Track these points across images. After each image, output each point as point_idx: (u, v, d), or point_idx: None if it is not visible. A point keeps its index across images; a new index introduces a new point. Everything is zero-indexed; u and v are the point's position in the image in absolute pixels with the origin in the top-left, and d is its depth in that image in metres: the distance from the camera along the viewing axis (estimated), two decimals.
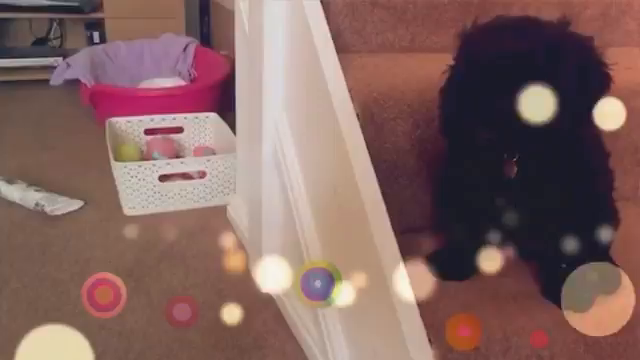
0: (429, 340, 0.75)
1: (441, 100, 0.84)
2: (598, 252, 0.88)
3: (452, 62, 0.82)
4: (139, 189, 1.54)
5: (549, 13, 1.28)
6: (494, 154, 0.82)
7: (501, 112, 0.74)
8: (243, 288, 1.27)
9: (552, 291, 0.87)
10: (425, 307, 0.77)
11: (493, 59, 0.74)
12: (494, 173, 0.83)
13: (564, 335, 0.81)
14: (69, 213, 1.55)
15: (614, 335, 0.83)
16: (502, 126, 0.75)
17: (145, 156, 1.76)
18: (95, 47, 2.38)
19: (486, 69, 0.75)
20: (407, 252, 0.80)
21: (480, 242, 0.92)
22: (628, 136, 1.14)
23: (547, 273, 0.90)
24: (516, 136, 0.76)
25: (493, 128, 0.76)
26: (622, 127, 1.12)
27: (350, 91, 0.91)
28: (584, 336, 0.82)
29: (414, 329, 0.74)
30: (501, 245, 0.94)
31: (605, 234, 0.88)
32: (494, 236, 0.89)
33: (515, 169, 0.82)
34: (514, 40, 0.74)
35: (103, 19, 2.57)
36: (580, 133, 0.79)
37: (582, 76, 0.75)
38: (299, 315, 1.12)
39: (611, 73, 0.78)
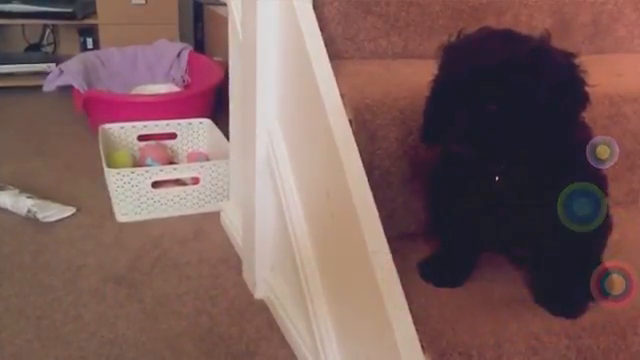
0: (422, 346, 0.75)
1: (423, 110, 0.86)
2: (590, 257, 0.88)
3: (434, 74, 0.83)
4: (132, 195, 1.53)
5: (541, 20, 1.31)
6: (472, 168, 0.83)
7: (471, 127, 0.75)
8: (236, 295, 1.27)
9: (544, 298, 0.87)
10: (417, 313, 0.77)
11: (464, 74, 0.75)
12: (479, 184, 0.84)
13: (556, 341, 0.81)
14: (61, 220, 1.54)
15: (606, 341, 0.84)
16: (473, 141, 0.76)
17: (138, 162, 1.75)
18: (88, 53, 2.37)
19: (457, 84, 0.76)
20: (400, 258, 0.81)
21: (472, 247, 0.93)
22: (619, 142, 1.14)
23: (539, 280, 0.90)
24: (489, 151, 0.77)
25: (465, 143, 0.77)
26: (613, 133, 1.13)
27: (343, 97, 0.92)
28: (576, 342, 0.82)
29: (407, 335, 0.74)
30: (492, 250, 0.94)
31: (597, 239, 0.88)
32: (485, 241, 0.90)
33: (498, 180, 0.83)
34: (486, 55, 0.75)
35: (97, 25, 2.57)
36: (569, 141, 0.79)
37: (557, 92, 0.75)
38: (292, 322, 1.12)
39: (588, 90, 0.78)
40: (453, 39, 0.81)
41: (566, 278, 0.87)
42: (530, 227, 0.84)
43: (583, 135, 0.82)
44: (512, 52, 0.75)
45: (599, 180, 0.86)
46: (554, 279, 0.88)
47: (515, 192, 0.82)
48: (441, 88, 0.80)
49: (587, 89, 0.77)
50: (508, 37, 0.78)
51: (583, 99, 0.78)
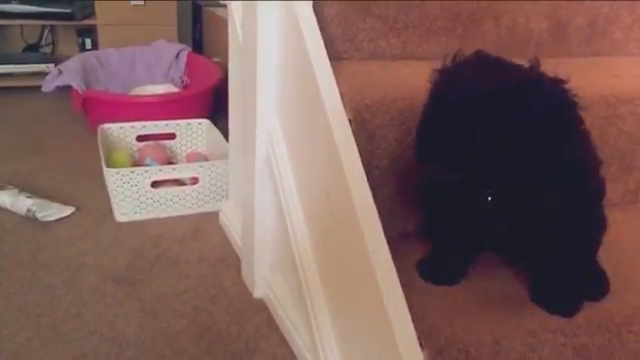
0: (420, 344, 0.76)
1: (417, 129, 0.87)
2: (585, 256, 0.89)
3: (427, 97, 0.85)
4: (131, 195, 1.54)
5: (538, 23, 1.32)
6: (462, 190, 0.84)
7: (458, 153, 0.77)
8: (235, 293, 1.28)
9: (541, 296, 0.88)
10: (416, 311, 0.78)
11: (457, 101, 0.77)
12: (471, 204, 0.85)
13: (552, 339, 0.82)
14: (61, 219, 1.54)
15: (601, 338, 0.85)
16: (459, 170, 0.78)
17: (137, 162, 1.76)
18: (87, 54, 2.38)
19: (449, 109, 0.78)
20: (399, 257, 0.81)
21: (467, 247, 0.94)
22: (615, 143, 1.16)
23: (535, 278, 0.91)
24: (475, 180, 0.79)
25: (449, 173, 0.79)
26: (609, 134, 1.14)
27: (342, 98, 0.92)
28: (572, 340, 0.83)
29: (405, 333, 0.75)
30: (488, 250, 0.95)
31: (592, 239, 0.89)
32: (480, 242, 0.91)
33: (491, 200, 0.84)
34: (472, 84, 0.77)
35: (95, 26, 2.57)
36: (565, 158, 0.80)
37: (546, 118, 0.76)
38: (291, 320, 1.12)
39: (581, 113, 0.79)
40: (449, 62, 0.82)
41: (561, 277, 0.88)
42: (526, 239, 0.85)
43: (582, 150, 0.83)
44: (503, 82, 0.76)
45: (598, 184, 0.87)
46: (550, 278, 0.89)
47: (509, 211, 0.84)
48: (433, 110, 0.82)
49: (579, 112, 0.79)
50: (500, 65, 0.80)
51: (574, 121, 0.79)
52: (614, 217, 0.93)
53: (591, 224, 0.88)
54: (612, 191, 1.16)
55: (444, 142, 0.78)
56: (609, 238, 0.91)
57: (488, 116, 0.75)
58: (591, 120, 0.84)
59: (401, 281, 0.78)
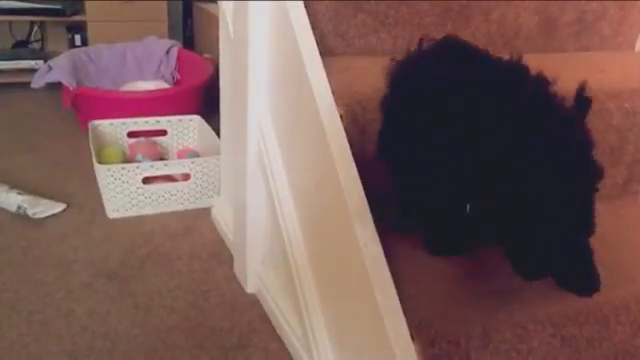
0: (411, 336, 0.76)
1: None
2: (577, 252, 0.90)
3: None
4: (123, 192, 1.54)
5: (527, 18, 1.33)
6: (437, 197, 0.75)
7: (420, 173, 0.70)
8: (228, 289, 1.28)
9: (521, 263, 0.87)
10: (407, 304, 0.79)
11: (417, 96, 0.69)
12: (450, 211, 0.77)
13: (541, 330, 0.84)
14: (52, 216, 1.54)
15: (590, 329, 0.86)
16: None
17: (128, 159, 1.75)
18: (77, 50, 2.36)
19: (409, 107, 0.71)
20: (390, 251, 0.82)
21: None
22: (603, 137, 1.17)
23: (514, 248, 0.89)
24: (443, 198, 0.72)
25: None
26: (597, 128, 1.15)
27: (334, 93, 0.93)
28: (561, 330, 0.84)
29: (397, 325, 0.76)
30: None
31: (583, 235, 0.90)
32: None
33: (470, 209, 0.77)
34: (443, 78, 0.68)
35: (85, 22, 2.56)
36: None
37: (525, 124, 0.68)
38: (284, 315, 1.13)
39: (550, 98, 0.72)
40: (413, 50, 0.73)
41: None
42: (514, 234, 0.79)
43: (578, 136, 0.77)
44: (475, 75, 0.67)
45: (594, 170, 0.85)
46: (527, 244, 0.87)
47: (491, 218, 0.77)
48: (392, 106, 0.74)
49: (568, 115, 0.73)
50: (471, 56, 0.70)
51: (564, 124, 0.72)
52: (602, 210, 0.94)
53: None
54: (600, 184, 1.17)
55: (402, 142, 0.71)
56: (597, 231, 0.92)
57: (457, 119, 0.66)
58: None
59: (392, 274, 0.79)
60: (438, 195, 0.76)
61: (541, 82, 0.72)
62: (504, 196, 0.71)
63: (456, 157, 0.68)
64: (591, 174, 0.82)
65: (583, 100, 0.74)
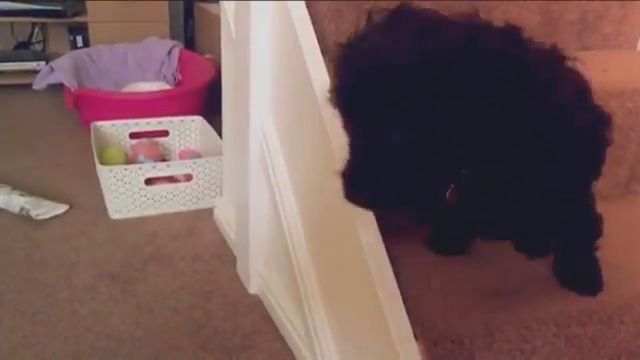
0: (414, 336, 0.76)
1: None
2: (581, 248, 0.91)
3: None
4: (125, 192, 1.54)
5: (529, 17, 1.33)
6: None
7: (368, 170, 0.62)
8: (230, 290, 1.28)
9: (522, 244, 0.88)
10: (410, 303, 0.79)
11: (357, 84, 0.60)
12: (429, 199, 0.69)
13: (545, 330, 0.84)
14: (54, 217, 1.54)
15: (593, 329, 0.86)
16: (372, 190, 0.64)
17: (130, 160, 1.76)
18: (79, 51, 2.37)
19: (350, 98, 0.62)
20: (392, 250, 0.82)
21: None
22: None
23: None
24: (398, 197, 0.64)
25: (361, 192, 0.64)
26: None
27: None
28: (564, 330, 0.84)
29: (400, 325, 0.76)
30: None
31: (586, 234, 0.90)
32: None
33: (449, 197, 0.69)
34: (392, 56, 0.58)
35: (87, 23, 2.56)
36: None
37: (505, 91, 0.60)
38: (287, 315, 1.13)
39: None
40: (361, 28, 0.61)
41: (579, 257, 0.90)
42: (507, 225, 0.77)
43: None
44: (429, 47, 0.56)
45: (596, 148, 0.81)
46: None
47: (475, 205, 0.72)
48: (341, 98, 0.63)
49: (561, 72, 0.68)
50: (425, 27, 0.60)
51: (551, 86, 0.64)
52: (605, 209, 0.94)
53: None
54: (602, 184, 1.16)
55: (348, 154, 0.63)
56: None
57: (411, 104, 0.57)
58: None
59: (395, 273, 0.79)
60: (413, 186, 0.65)
61: (510, 34, 0.63)
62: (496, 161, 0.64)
63: (428, 150, 0.61)
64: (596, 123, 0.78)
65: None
